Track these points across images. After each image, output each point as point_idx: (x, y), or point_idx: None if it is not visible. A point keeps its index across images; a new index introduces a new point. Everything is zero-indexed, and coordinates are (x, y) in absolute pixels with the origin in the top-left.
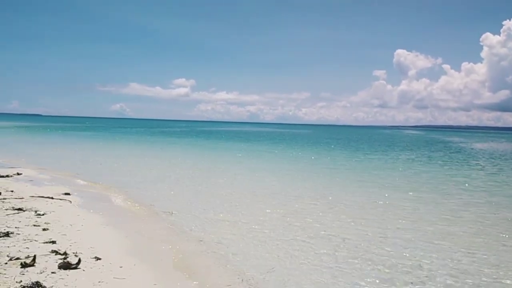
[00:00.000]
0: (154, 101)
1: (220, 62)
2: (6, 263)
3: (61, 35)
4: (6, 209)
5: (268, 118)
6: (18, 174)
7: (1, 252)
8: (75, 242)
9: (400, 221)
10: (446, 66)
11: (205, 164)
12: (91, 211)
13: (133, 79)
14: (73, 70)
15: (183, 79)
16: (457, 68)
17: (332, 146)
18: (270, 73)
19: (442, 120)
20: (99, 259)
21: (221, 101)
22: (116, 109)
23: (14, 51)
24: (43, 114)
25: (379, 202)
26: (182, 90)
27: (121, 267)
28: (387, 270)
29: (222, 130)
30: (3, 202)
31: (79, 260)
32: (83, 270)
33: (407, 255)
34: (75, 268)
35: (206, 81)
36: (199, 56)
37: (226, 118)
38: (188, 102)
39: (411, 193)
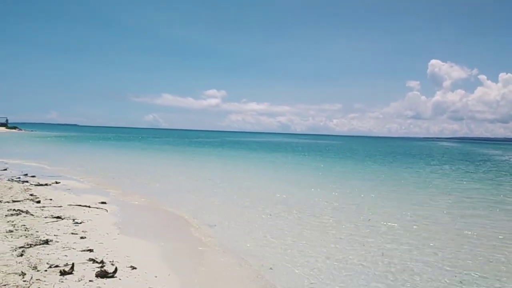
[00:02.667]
0: (186, 111)
1: (251, 73)
2: (46, 271)
3: (97, 47)
4: (46, 217)
5: (299, 129)
6: (56, 182)
7: (41, 259)
8: (111, 251)
9: (463, 246)
10: (482, 77)
11: (238, 175)
12: (127, 220)
13: (166, 90)
14: (109, 81)
15: (214, 90)
16: (494, 79)
17: (367, 158)
18: (301, 84)
19: (478, 132)
20: (135, 268)
21: (252, 112)
22: (149, 119)
23: (53, 64)
24: (80, 124)
25: (418, 219)
26: (213, 101)
27: (156, 276)
28: None
29: (253, 140)
30: (42, 210)
31: (116, 269)
32: (119, 279)
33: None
34: (112, 277)
35: (237, 92)
36: (230, 67)
37: (257, 128)
38: (219, 112)
39: (469, 211)
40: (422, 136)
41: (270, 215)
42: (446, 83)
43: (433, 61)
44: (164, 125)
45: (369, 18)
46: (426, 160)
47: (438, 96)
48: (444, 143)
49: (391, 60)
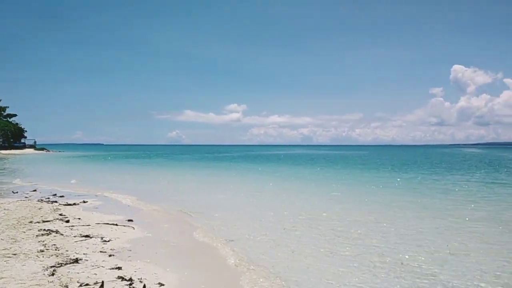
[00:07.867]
0: (208, 127)
1: (271, 86)
2: None
3: (119, 68)
4: (75, 236)
5: (322, 140)
6: (84, 201)
7: (72, 278)
8: (139, 268)
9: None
10: (508, 80)
11: (262, 190)
12: (154, 237)
13: (188, 106)
14: (132, 100)
15: (235, 105)
16: None
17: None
18: (322, 95)
19: (506, 137)
20: (162, 285)
21: (273, 125)
22: (172, 136)
23: (77, 85)
24: (104, 143)
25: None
26: (234, 115)
27: None
28: None
29: (276, 154)
30: (71, 229)
31: (144, 286)
32: None
33: None
34: None
35: (258, 106)
36: (250, 81)
37: (279, 141)
38: (240, 126)
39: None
40: (447, 143)
41: (321, 235)
42: (470, 88)
43: (456, 67)
44: (186, 141)
45: (389, 26)
46: (453, 168)
47: (462, 102)
48: (471, 149)
49: (412, 67)
